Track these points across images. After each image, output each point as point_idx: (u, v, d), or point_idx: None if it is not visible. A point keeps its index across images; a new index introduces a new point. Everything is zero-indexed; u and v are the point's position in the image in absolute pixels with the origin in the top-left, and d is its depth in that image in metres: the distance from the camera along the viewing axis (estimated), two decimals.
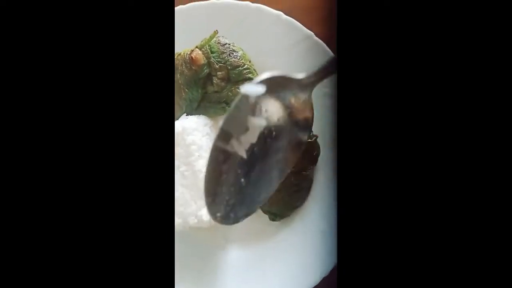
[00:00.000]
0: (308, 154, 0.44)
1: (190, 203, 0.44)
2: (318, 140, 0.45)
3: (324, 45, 0.46)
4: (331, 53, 0.46)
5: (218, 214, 0.33)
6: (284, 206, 0.45)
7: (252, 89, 0.31)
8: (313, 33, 0.47)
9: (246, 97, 0.30)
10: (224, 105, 0.50)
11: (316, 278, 0.44)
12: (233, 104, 0.30)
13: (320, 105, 0.46)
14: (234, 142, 0.31)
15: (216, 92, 0.49)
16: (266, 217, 0.47)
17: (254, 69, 0.49)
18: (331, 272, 0.44)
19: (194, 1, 0.50)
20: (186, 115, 0.49)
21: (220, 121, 0.33)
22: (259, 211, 0.48)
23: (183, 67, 0.48)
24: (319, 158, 0.46)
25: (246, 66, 0.48)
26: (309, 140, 0.44)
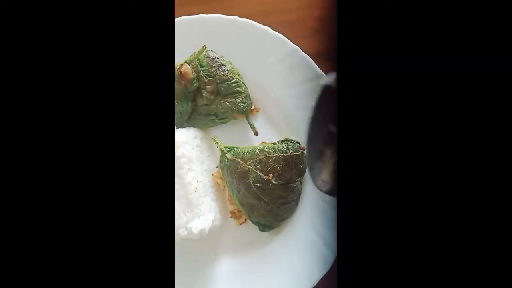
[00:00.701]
0: (295, 166, 0.45)
1: (180, 215, 0.45)
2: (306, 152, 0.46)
3: (309, 59, 0.47)
4: (316, 67, 0.47)
5: (323, 188, 0.37)
6: (272, 217, 0.46)
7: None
8: (299, 47, 0.48)
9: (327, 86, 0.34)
10: (213, 117, 0.51)
11: None
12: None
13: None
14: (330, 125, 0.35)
15: (206, 105, 0.50)
16: (255, 228, 0.48)
17: (243, 83, 0.50)
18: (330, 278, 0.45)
19: (183, 15, 0.51)
20: (176, 128, 0.50)
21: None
22: (249, 223, 0.49)
23: None
24: (307, 171, 0.47)
25: (235, 79, 0.49)
26: (296, 153, 0.45)
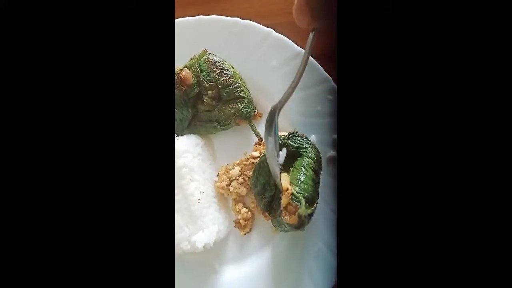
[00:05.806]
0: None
1: (182, 228, 0.43)
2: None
3: (315, 62, 0.45)
4: (322, 70, 0.45)
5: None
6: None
7: None
8: (303, 50, 0.46)
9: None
10: (215, 124, 0.49)
11: None
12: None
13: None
14: None
15: (207, 111, 0.48)
16: (260, 238, 0.47)
17: (245, 87, 0.48)
18: None
19: (180, 17, 0.48)
20: (177, 136, 0.48)
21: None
22: (253, 232, 0.47)
23: None
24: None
25: (237, 84, 0.47)
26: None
